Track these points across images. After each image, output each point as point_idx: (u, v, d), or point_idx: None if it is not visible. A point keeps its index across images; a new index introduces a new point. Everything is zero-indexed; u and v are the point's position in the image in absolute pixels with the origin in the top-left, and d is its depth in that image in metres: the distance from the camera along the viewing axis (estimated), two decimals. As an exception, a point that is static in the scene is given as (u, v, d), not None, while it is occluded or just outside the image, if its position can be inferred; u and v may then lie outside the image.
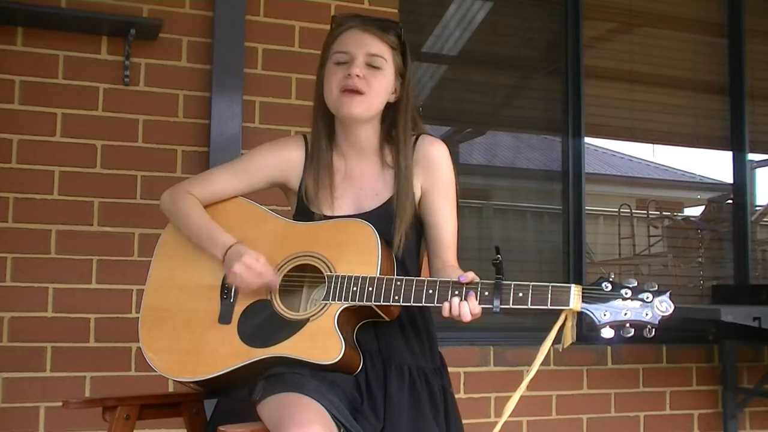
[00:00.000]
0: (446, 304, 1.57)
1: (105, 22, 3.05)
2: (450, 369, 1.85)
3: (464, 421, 1.79)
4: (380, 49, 1.76)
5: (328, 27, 1.85)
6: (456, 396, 1.82)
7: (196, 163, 3.17)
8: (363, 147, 1.83)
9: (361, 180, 1.83)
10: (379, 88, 1.76)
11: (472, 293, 1.56)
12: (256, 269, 1.66)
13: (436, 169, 1.81)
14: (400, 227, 1.74)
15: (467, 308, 1.56)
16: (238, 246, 1.71)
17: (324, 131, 1.84)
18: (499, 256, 1.58)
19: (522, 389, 1.57)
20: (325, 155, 1.82)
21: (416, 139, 1.83)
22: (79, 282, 3.04)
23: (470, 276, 1.60)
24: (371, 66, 1.75)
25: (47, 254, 3.02)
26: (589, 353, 3.71)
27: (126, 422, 1.83)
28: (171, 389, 2.38)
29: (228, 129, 3.16)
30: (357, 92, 1.73)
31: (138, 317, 1.78)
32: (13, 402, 2.94)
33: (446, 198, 1.82)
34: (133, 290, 3.05)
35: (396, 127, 1.81)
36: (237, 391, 1.74)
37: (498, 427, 1.56)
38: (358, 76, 1.73)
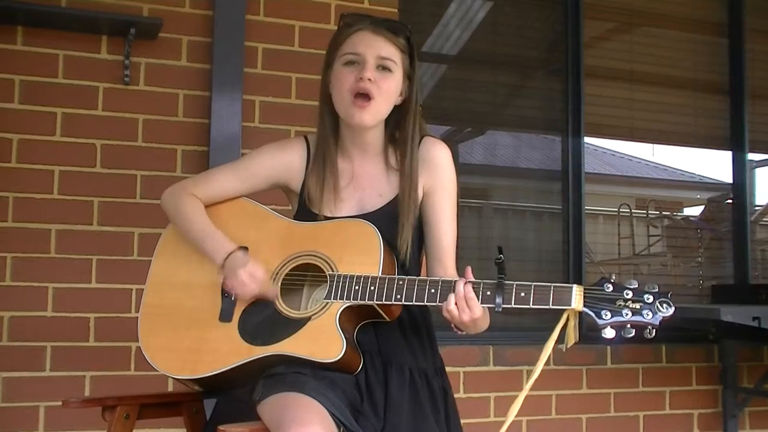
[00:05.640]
0: (451, 296, 1.57)
1: (105, 22, 3.05)
2: (450, 368, 1.85)
3: (463, 421, 1.79)
4: (391, 51, 1.76)
5: (328, 27, 1.85)
6: (456, 396, 1.82)
7: (196, 163, 3.17)
8: (368, 148, 1.83)
9: (364, 181, 1.82)
10: (389, 91, 1.76)
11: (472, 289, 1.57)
12: (258, 276, 1.66)
13: (438, 170, 1.81)
14: (404, 230, 1.74)
15: (465, 304, 1.56)
16: (238, 253, 1.70)
17: (330, 131, 1.83)
18: (501, 255, 1.58)
19: (527, 390, 1.57)
20: (330, 156, 1.81)
21: (420, 140, 1.82)
22: (79, 282, 3.04)
23: (468, 272, 1.60)
24: (381, 68, 1.75)
25: (47, 254, 3.01)
26: (588, 353, 3.71)
27: (126, 422, 1.83)
28: (171, 389, 2.38)
29: (228, 128, 3.16)
30: (368, 96, 1.72)
31: (138, 316, 1.78)
32: (13, 401, 2.94)
33: (447, 199, 1.81)
34: (132, 290, 3.05)
35: (403, 130, 1.81)
36: (237, 391, 1.73)
37: (504, 428, 1.56)
38: (370, 80, 1.72)
